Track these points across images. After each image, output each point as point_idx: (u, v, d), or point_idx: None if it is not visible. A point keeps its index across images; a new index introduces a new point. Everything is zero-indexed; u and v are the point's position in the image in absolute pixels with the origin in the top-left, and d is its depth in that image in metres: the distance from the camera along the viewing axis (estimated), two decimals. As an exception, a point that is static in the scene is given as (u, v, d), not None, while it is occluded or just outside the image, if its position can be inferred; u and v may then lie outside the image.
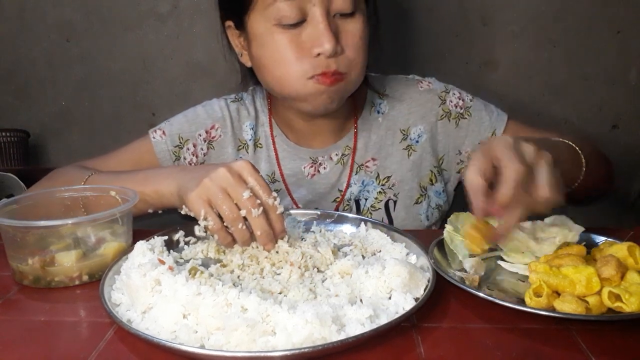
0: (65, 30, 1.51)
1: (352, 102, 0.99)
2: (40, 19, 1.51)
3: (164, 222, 0.82)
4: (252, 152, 1.01)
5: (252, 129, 1.01)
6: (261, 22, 0.84)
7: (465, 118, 1.00)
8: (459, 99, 1.01)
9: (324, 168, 1.00)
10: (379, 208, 0.99)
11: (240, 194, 0.66)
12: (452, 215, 0.76)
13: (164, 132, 0.99)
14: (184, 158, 0.99)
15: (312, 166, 1.00)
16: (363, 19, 0.85)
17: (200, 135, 1.00)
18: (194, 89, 1.51)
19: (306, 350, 0.48)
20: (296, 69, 0.83)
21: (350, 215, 0.84)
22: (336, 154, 1.00)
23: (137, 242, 0.69)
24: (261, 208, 0.67)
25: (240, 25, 0.89)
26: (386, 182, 1.00)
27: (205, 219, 0.68)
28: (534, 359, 0.50)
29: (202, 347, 0.51)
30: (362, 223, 0.80)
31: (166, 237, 0.74)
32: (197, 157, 1.00)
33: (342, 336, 0.50)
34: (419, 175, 1.00)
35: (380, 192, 1.00)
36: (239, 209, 0.66)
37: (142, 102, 1.54)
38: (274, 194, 0.69)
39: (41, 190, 0.82)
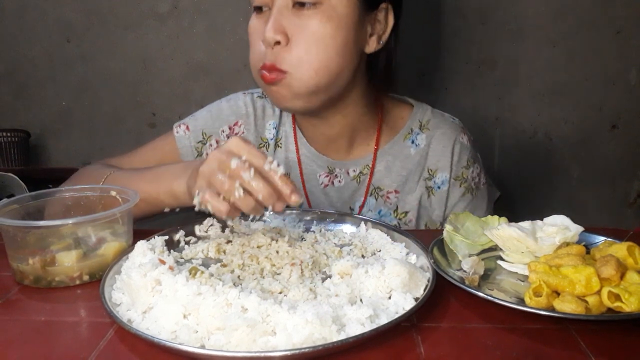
0: (65, 30, 1.51)
1: (369, 116, 0.95)
2: (40, 19, 1.51)
3: (164, 222, 0.83)
4: (271, 152, 0.99)
5: (275, 128, 0.99)
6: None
7: (472, 195, 0.99)
8: (477, 176, 1.01)
9: (339, 181, 0.98)
10: None
11: (229, 164, 0.63)
12: (451, 215, 0.76)
13: (187, 127, 0.98)
14: (206, 154, 0.97)
15: (327, 176, 0.98)
16: (332, 14, 0.79)
17: (223, 132, 0.98)
18: (194, 89, 1.51)
19: (306, 350, 0.48)
20: (253, 56, 0.85)
21: (350, 215, 0.84)
22: (354, 170, 0.97)
23: (138, 242, 0.69)
24: (252, 170, 0.62)
25: None
26: (404, 217, 0.97)
27: (198, 195, 0.65)
28: (534, 358, 0.50)
29: (203, 347, 0.51)
30: (362, 223, 0.80)
31: (167, 237, 0.74)
32: None
33: (342, 336, 0.50)
34: (429, 220, 0.99)
35: (395, 225, 0.97)
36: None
37: (142, 102, 1.54)
38: (270, 158, 0.64)
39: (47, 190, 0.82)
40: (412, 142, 0.98)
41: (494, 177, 1.52)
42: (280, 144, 0.99)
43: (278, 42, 0.80)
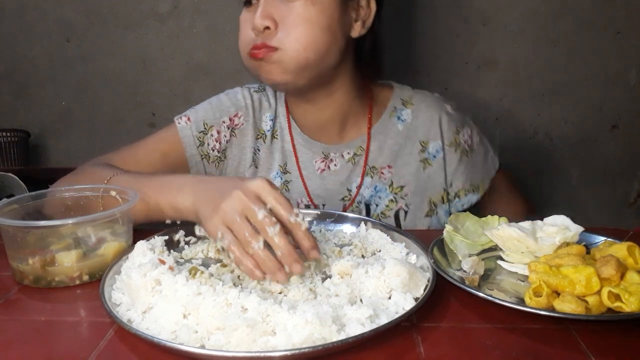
0: (65, 30, 1.51)
1: (359, 101, 1.00)
2: (40, 19, 1.51)
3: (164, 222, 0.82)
4: (269, 143, 1.03)
5: (272, 120, 1.03)
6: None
7: (467, 157, 1.01)
8: (469, 137, 1.03)
9: (335, 165, 1.01)
10: (389, 216, 0.99)
11: (255, 214, 0.63)
12: (452, 215, 0.76)
13: (189, 119, 1.01)
14: (208, 144, 1.00)
15: (323, 161, 1.01)
16: (317, 1, 0.86)
17: (224, 122, 1.01)
18: (194, 89, 1.51)
19: (306, 350, 0.48)
20: (242, 44, 0.91)
21: (350, 215, 0.84)
22: (348, 152, 1.00)
23: (138, 242, 0.69)
24: (277, 226, 0.62)
25: None
26: (399, 191, 1.00)
27: (221, 240, 0.64)
28: (534, 358, 0.50)
29: (202, 347, 0.51)
30: (362, 223, 0.80)
31: (166, 237, 0.74)
32: (220, 143, 1.01)
33: (342, 336, 0.50)
34: (431, 190, 1.00)
35: (392, 200, 1.00)
36: (258, 233, 0.63)
37: (142, 102, 1.54)
38: (296, 210, 0.65)
39: (51, 189, 0.81)
40: (398, 118, 1.02)
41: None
42: (277, 135, 1.03)
43: (267, 28, 0.86)
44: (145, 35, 1.49)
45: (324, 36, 0.87)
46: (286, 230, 0.64)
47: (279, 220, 0.63)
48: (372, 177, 1.00)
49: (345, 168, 1.00)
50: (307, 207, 0.99)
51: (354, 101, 0.99)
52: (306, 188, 1.00)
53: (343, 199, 1.00)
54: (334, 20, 0.88)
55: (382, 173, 1.00)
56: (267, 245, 0.63)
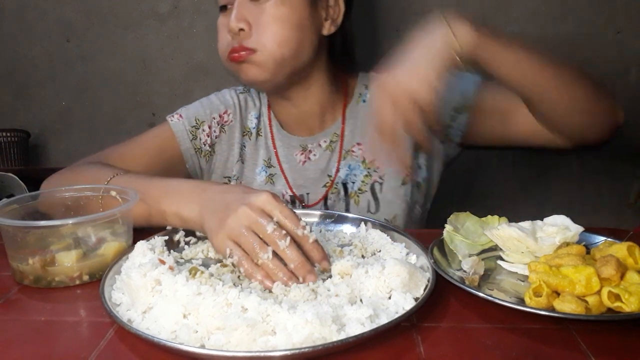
0: (65, 30, 1.51)
1: (335, 94, 1.05)
2: (40, 19, 1.51)
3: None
4: (254, 140, 1.08)
5: (257, 118, 1.09)
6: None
7: None
8: None
9: (314, 155, 1.06)
10: (366, 191, 1.03)
11: (264, 228, 0.64)
12: (452, 215, 0.76)
13: (180, 115, 1.06)
14: (200, 138, 1.05)
15: (302, 153, 1.06)
16: (285, 0, 0.91)
17: (214, 119, 1.07)
18: (194, 89, 1.51)
19: (306, 350, 0.48)
20: (221, 47, 0.96)
21: (350, 215, 0.84)
22: (324, 141, 1.06)
23: (138, 242, 0.69)
24: (288, 238, 0.64)
25: None
26: (372, 165, 1.04)
27: (230, 256, 0.65)
28: (534, 358, 0.50)
29: (202, 346, 0.51)
30: (362, 223, 0.80)
31: (166, 237, 0.74)
32: (210, 137, 1.06)
33: (342, 336, 0.50)
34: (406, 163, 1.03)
35: (366, 175, 1.03)
36: (267, 245, 0.64)
37: (142, 102, 1.54)
38: (303, 222, 0.66)
39: (49, 189, 0.81)
40: (364, 101, 1.07)
41: (493, 177, 1.52)
42: (261, 132, 1.09)
43: (242, 29, 0.91)
44: (145, 35, 1.49)
45: (296, 33, 0.92)
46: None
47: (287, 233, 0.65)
48: (344, 157, 1.05)
49: (324, 156, 1.05)
50: (292, 199, 1.04)
51: (330, 94, 1.04)
52: (287, 181, 1.05)
53: (325, 185, 1.04)
54: (305, 18, 0.93)
55: (353, 151, 1.04)
56: (275, 255, 0.63)
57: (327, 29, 0.98)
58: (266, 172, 1.06)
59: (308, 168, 1.06)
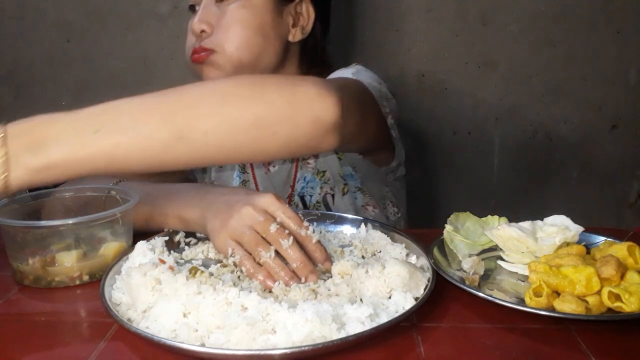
0: (65, 30, 1.51)
1: None
2: (40, 19, 1.51)
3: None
4: None
5: None
6: None
7: None
8: None
9: (273, 166, 1.05)
10: (320, 202, 1.02)
11: (267, 228, 0.64)
12: (452, 215, 0.76)
13: None
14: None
15: (263, 164, 1.06)
16: (247, 3, 0.90)
17: None
18: (194, 89, 1.51)
19: (306, 348, 0.48)
20: (186, 49, 0.96)
21: (349, 216, 0.84)
22: None
23: (138, 243, 0.69)
24: (291, 238, 0.63)
25: None
26: (322, 176, 1.03)
27: (232, 255, 0.65)
28: (534, 358, 0.50)
29: (203, 345, 0.51)
30: (362, 224, 0.80)
31: (167, 238, 0.74)
32: None
33: (342, 335, 0.50)
34: (336, 164, 1.02)
35: (321, 187, 1.03)
36: (270, 244, 0.64)
37: (142, 102, 1.54)
38: (306, 223, 0.66)
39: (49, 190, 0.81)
40: None
41: (493, 176, 1.52)
42: None
43: (204, 31, 0.91)
44: (146, 35, 1.49)
45: (256, 38, 0.91)
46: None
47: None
48: (301, 168, 1.04)
49: (284, 167, 1.04)
50: None
51: None
52: (258, 189, 1.06)
53: (288, 196, 1.04)
54: (267, 23, 0.92)
55: (308, 163, 1.03)
56: (277, 255, 0.63)
57: (295, 35, 0.96)
58: (240, 177, 1.07)
59: (272, 178, 1.05)
